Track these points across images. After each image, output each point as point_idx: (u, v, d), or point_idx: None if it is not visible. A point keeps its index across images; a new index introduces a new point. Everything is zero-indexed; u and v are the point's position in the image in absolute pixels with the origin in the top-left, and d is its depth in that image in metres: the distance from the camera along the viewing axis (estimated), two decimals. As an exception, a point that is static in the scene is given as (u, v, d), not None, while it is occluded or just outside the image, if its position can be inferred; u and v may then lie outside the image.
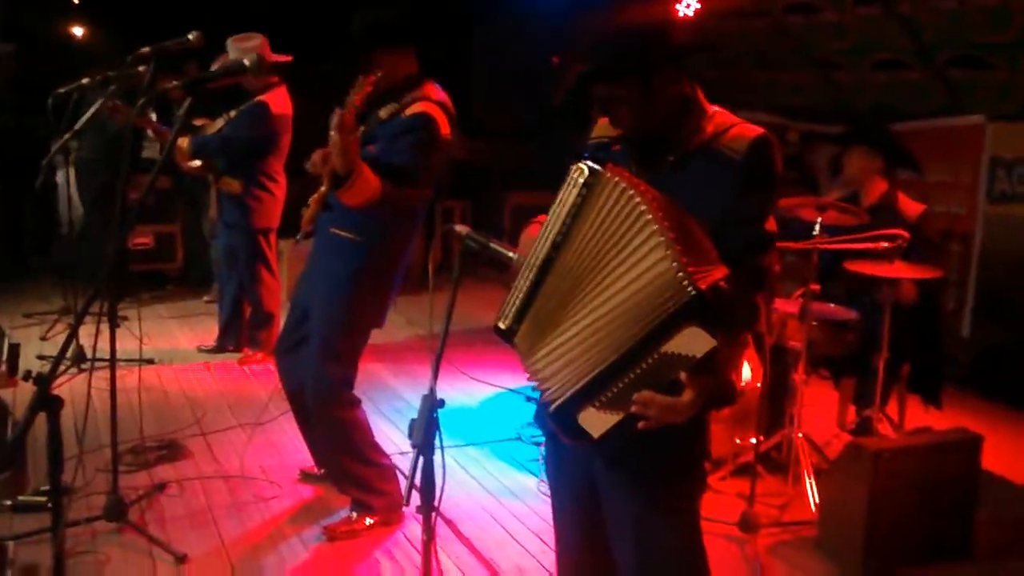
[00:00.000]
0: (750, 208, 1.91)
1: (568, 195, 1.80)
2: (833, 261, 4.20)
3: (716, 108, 2.01)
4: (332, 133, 2.95)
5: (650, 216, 1.66)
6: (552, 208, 1.83)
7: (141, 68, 4.69)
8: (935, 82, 6.05)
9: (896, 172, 4.48)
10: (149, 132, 5.92)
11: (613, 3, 1.92)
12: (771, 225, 1.96)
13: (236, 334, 5.93)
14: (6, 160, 6.90)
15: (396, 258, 3.46)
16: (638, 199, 1.68)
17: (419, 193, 3.33)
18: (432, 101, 3.29)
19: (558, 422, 1.85)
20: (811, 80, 7.10)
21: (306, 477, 4.04)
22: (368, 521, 3.60)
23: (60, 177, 6.92)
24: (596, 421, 1.77)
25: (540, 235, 1.85)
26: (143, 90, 3.61)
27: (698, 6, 6.28)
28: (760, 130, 1.93)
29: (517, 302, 1.89)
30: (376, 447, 3.66)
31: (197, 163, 5.40)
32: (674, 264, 1.62)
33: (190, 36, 3.56)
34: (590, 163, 1.78)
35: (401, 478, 4.08)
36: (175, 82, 3.26)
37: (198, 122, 5.53)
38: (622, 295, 1.71)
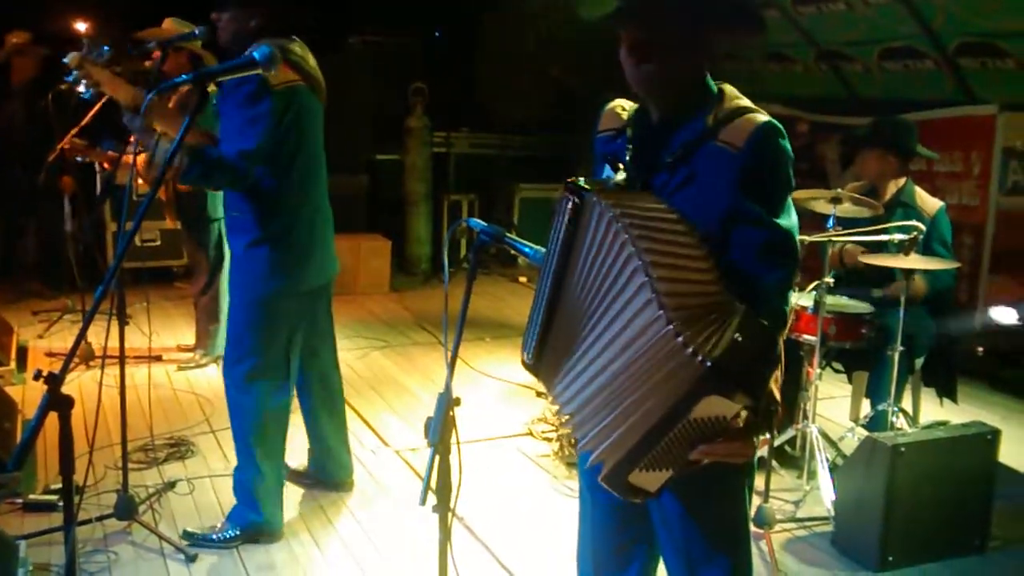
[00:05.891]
0: (756, 206, 1.78)
1: (560, 224, 1.79)
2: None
3: (723, 88, 1.90)
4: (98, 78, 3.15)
5: (633, 250, 1.62)
6: (550, 236, 1.83)
7: (147, 63, 4.67)
8: (946, 71, 5.99)
9: (910, 164, 4.42)
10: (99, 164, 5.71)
11: None
12: (788, 221, 1.83)
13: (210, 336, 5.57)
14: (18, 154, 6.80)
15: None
16: (622, 231, 1.65)
17: None
18: None
19: (612, 487, 1.80)
20: (821, 71, 7.06)
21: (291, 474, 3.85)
22: (229, 534, 3.38)
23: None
24: (649, 479, 1.77)
25: (542, 267, 1.86)
26: (150, 84, 3.55)
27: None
28: (762, 118, 1.81)
29: (535, 337, 1.90)
30: (271, 453, 3.43)
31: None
32: (670, 329, 1.58)
33: (196, 31, 3.51)
34: (574, 187, 1.77)
35: (412, 474, 4.08)
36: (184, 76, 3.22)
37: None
38: (624, 339, 1.68)
